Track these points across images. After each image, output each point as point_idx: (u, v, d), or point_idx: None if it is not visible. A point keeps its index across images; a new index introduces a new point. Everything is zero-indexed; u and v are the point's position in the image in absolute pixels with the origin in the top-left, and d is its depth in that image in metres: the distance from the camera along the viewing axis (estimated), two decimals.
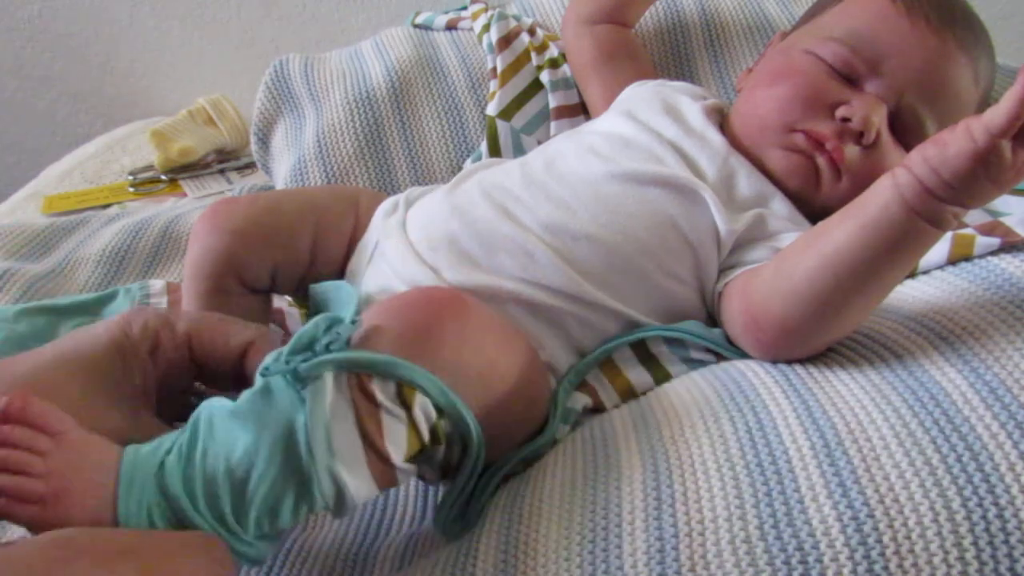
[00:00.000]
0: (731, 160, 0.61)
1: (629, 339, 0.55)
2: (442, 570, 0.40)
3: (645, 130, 0.63)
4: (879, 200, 0.44)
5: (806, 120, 0.60)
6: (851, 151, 0.59)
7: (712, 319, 0.59)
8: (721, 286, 0.57)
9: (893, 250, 0.44)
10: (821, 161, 0.60)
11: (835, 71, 0.61)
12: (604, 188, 0.58)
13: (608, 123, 0.67)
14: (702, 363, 0.55)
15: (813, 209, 0.60)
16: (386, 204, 0.63)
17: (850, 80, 0.60)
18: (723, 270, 0.58)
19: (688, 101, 0.66)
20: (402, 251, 0.57)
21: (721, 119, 0.66)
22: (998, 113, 0.39)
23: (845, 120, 0.59)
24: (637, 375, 0.55)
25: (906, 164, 0.43)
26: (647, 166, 0.59)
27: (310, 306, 0.56)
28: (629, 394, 0.54)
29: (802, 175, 0.60)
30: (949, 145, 0.41)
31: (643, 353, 0.56)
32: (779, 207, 0.60)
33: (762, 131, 0.62)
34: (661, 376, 0.55)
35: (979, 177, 0.41)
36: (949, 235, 0.53)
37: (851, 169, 0.59)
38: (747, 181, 0.60)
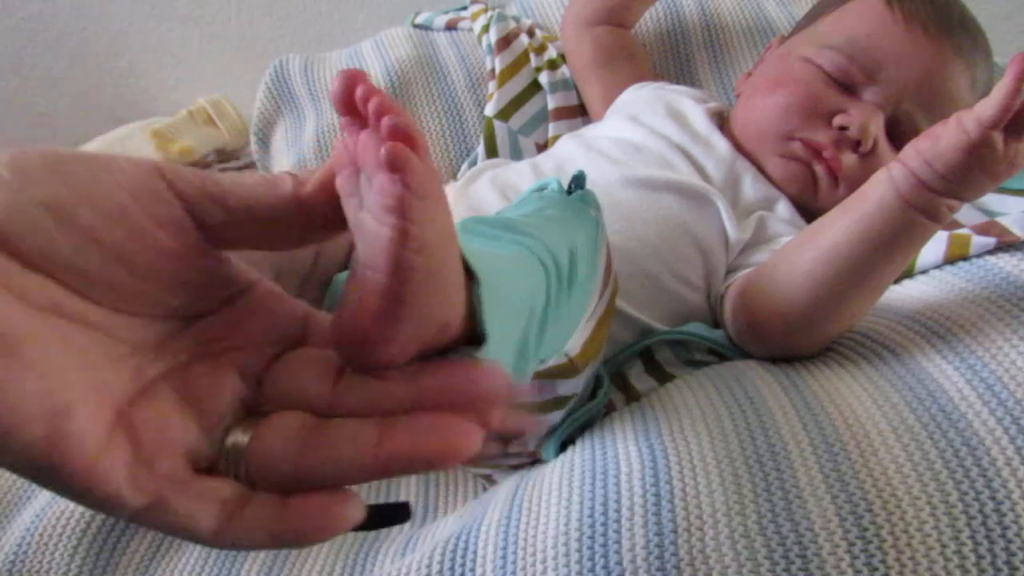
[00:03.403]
0: (737, 165, 0.61)
1: (640, 346, 0.55)
2: (441, 564, 0.41)
3: (653, 135, 0.63)
4: (875, 194, 0.45)
5: (804, 129, 0.60)
6: (848, 159, 0.59)
7: (717, 323, 0.59)
8: (723, 288, 0.57)
9: (890, 244, 0.44)
10: (819, 169, 0.60)
11: (833, 79, 0.61)
12: (618, 194, 0.58)
13: (614, 127, 0.67)
14: (705, 364, 0.55)
15: (814, 215, 0.60)
16: None
17: (848, 88, 0.61)
18: (727, 273, 0.58)
19: (691, 104, 0.67)
20: None
21: (722, 122, 0.67)
22: (989, 104, 0.40)
23: (843, 129, 0.59)
24: (644, 384, 0.55)
25: (901, 158, 0.44)
26: (661, 172, 0.59)
27: (327, 302, 0.56)
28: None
29: (800, 182, 0.61)
30: (942, 138, 0.42)
31: (650, 363, 0.56)
32: (783, 210, 0.61)
33: (760, 139, 0.62)
34: (666, 381, 0.55)
35: (972, 169, 0.41)
36: (945, 235, 0.53)
37: (849, 177, 0.59)
38: (752, 186, 0.61)
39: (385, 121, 0.22)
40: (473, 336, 0.25)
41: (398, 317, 0.22)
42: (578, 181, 0.46)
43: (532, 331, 0.32)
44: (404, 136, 0.22)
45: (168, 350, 0.25)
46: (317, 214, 0.25)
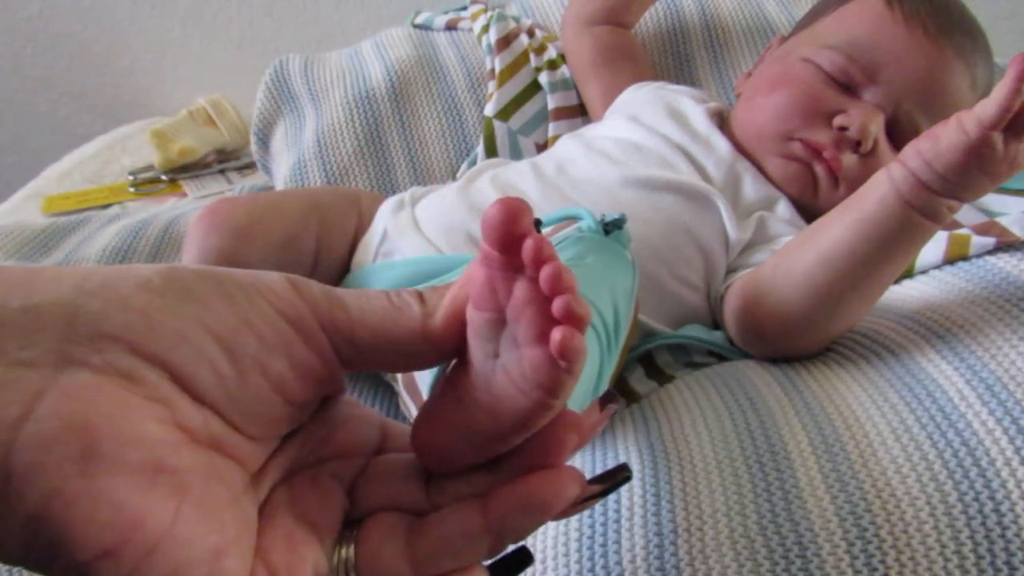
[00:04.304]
0: (737, 165, 0.61)
1: (639, 351, 0.55)
2: None
3: (653, 134, 0.63)
4: (875, 195, 0.45)
5: (804, 129, 0.60)
6: (848, 159, 0.59)
7: (716, 323, 0.59)
8: (723, 288, 0.57)
9: (890, 244, 0.45)
10: (819, 169, 0.60)
11: (833, 79, 0.61)
12: (619, 194, 0.58)
13: (614, 127, 0.67)
14: (705, 365, 0.55)
15: (814, 215, 0.60)
16: (391, 201, 0.63)
17: (848, 88, 0.61)
18: (727, 273, 0.58)
19: (691, 104, 0.67)
20: (420, 247, 0.57)
21: (722, 122, 0.66)
22: (989, 105, 0.40)
23: (843, 129, 0.59)
24: (645, 388, 0.55)
25: (901, 159, 0.44)
26: (661, 172, 0.59)
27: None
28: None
29: (800, 183, 0.61)
30: (942, 138, 0.42)
31: (650, 367, 0.56)
32: (783, 210, 0.61)
33: (760, 139, 0.62)
34: (666, 383, 0.55)
35: (972, 169, 0.41)
36: (945, 235, 0.53)
37: (848, 177, 0.59)
38: (752, 186, 0.61)
39: (559, 303, 0.19)
40: None
41: (495, 452, 0.22)
42: (617, 223, 0.45)
43: (586, 403, 0.33)
44: (576, 320, 0.20)
45: (271, 466, 0.24)
46: (446, 347, 0.23)
